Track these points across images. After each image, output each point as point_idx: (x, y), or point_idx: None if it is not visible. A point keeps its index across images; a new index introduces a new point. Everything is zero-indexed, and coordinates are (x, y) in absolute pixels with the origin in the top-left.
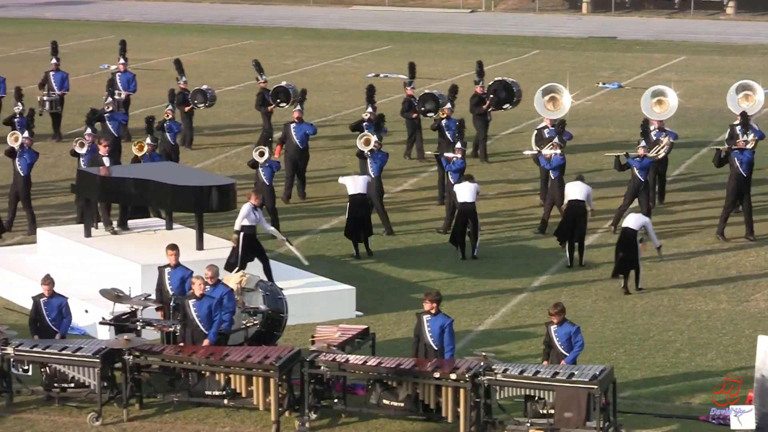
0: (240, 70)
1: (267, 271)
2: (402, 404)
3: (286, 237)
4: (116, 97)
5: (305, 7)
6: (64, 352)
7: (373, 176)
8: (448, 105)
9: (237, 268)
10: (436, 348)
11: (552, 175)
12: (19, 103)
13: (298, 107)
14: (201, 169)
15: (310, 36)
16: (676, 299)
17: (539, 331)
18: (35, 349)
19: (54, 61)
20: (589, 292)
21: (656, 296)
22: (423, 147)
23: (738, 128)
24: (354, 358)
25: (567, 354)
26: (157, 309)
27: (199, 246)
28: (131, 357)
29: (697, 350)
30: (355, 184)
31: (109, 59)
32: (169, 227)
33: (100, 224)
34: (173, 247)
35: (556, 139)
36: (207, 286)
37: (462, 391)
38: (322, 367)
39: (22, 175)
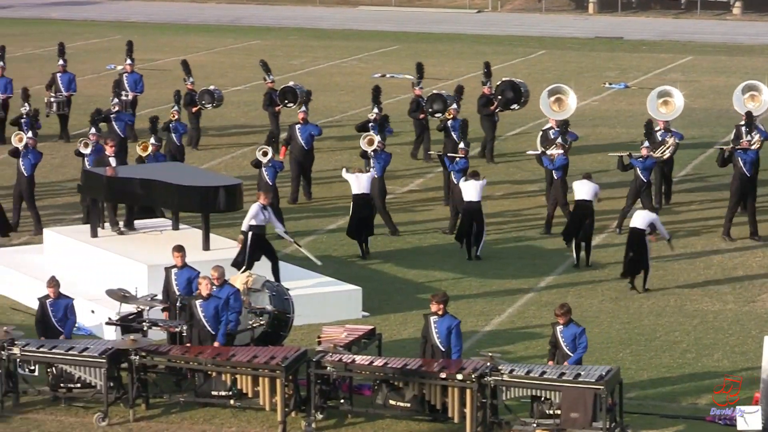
0: (246, 70)
1: (275, 271)
2: (408, 405)
3: (294, 239)
4: (123, 98)
5: (311, 7)
6: (70, 352)
7: (376, 176)
8: (454, 105)
9: (243, 268)
10: (443, 349)
11: (555, 175)
12: (26, 104)
13: (303, 108)
14: (207, 170)
15: (316, 36)
16: (682, 300)
17: (546, 331)
18: (41, 350)
19: (61, 62)
20: (596, 293)
21: (663, 297)
22: (430, 147)
23: (743, 128)
24: (360, 359)
25: (572, 355)
26: (163, 310)
27: (206, 246)
28: (137, 357)
29: (703, 351)
30: (359, 184)
31: (116, 59)
32: (176, 227)
33: (107, 224)
34: (179, 249)
35: (559, 140)
36: (213, 287)
37: (468, 391)
38: (328, 368)
39: (26, 175)
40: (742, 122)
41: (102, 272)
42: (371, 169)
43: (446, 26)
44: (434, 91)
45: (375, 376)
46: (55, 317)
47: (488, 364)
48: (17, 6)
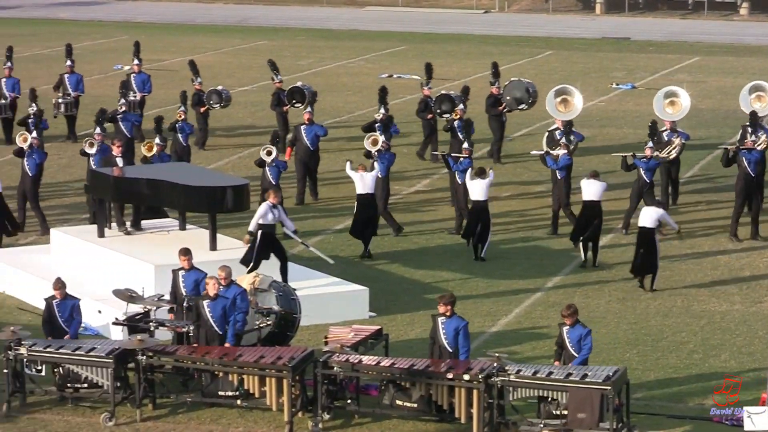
0: (253, 70)
1: (283, 270)
2: (415, 405)
3: (302, 239)
4: (130, 98)
5: (318, 7)
6: (77, 352)
7: (380, 176)
8: (461, 106)
9: (250, 267)
10: (450, 350)
11: (558, 175)
12: (34, 104)
13: (309, 109)
14: (214, 170)
15: (323, 37)
16: (689, 300)
17: (552, 332)
18: (48, 350)
19: (69, 63)
20: (603, 293)
21: (670, 297)
22: (437, 148)
23: (749, 129)
24: (367, 359)
25: (577, 356)
26: (170, 311)
27: (213, 246)
28: (144, 357)
29: (710, 351)
30: (363, 184)
31: (123, 60)
32: (183, 228)
33: (114, 224)
34: (186, 252)
35: (563, 140)
36: (220, 287)
37: (475, 391)
38: (335, 368)
39: (30, 175)
40: (748, 122)
41: (109, 272)
42: (375, 169)
43: (453, 27)
44: (443, 92)
45: (382, 376)
46: (61, 317)
47: (495, 364)
48: (25, 6)
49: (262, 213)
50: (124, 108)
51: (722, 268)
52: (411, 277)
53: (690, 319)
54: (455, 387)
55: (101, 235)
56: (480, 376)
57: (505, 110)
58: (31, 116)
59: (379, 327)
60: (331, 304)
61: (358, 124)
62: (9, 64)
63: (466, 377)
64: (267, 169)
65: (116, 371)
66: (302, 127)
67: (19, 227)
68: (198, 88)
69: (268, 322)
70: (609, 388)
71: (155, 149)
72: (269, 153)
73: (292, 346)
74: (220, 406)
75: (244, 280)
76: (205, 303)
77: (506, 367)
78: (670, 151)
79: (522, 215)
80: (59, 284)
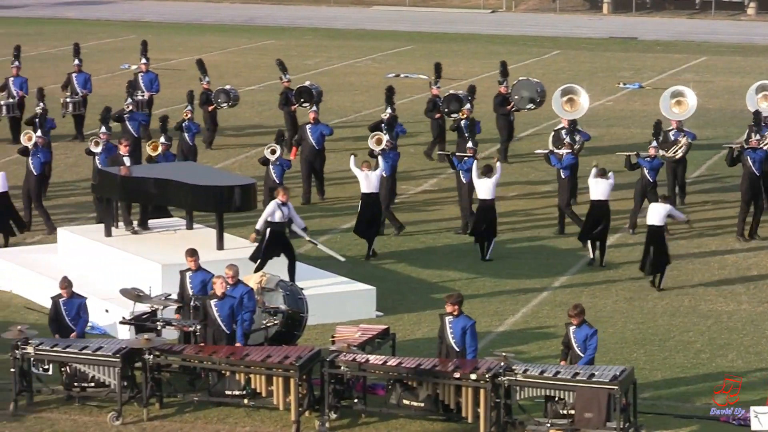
0: (260, 70)
1: (291, 269)
2: (422, 404)
3: (311, 236)
4: (137, 97)
5: (325, 7)
6: (84, 351)
7: (384, 175)
8: (467, 105)
9: (257, 265)
10: (458, 349)
11: (562, 174)
12: (41, 103)
13: (314, 108)
14: (221, 169)
15: (330, 36)
16: (696, 300)
17: (559, 331)
18: (55, 349)
19: (76, 62)
20: (610, 293)
21: (677, 297)
22: (445, 148)
23: (753, 128)
24: (374, 358)
25: (583, 356)
26: (176, 311)
27: (220, 246)
28: (151, 356)
29: (717, 351)
30: (368, 183)
31: (130, 59)
32: (190, 227)
33: (121, 224)
34: (192, 253)
35: (567, 139)
36: (228, 286)
37: (482, 391)
38: (342, 367)
39: (35, 173)
40: (752, 122)
41: (116, 271)
42: (379, 168)
43: (460, 26)
44: (451, 92)
45: (389, 375)
46: (68, 316)
47: (502, 364)
48: (32, 5)
49: (270, 211)
50: (131, 107)
51: (729, 268)
52: (418, 277)
53: (697, 318)
54: (462, 386)
55: (108, 234)
56: (487, 376)
57: (513, 109)
58: (38, 116)
59: (386, 326)
60: (338, 303)
61: (365, 123)
62: (17, 63)
63: (473, 377)
64: (271, 167)
65: (123, 370)
66: (308, 126)
67: (25, 227)
68: (206, 87)
69: (275, 322)
70: (616, 387)
71: (160, 148)
72: (273, 152)
73: (299, 346)
74: (227, 405)
75: (251, 279)
76: (213, 302)
77: (513, 367)
78: (677, 151)
79: (529, 215)
80: (66, 283)
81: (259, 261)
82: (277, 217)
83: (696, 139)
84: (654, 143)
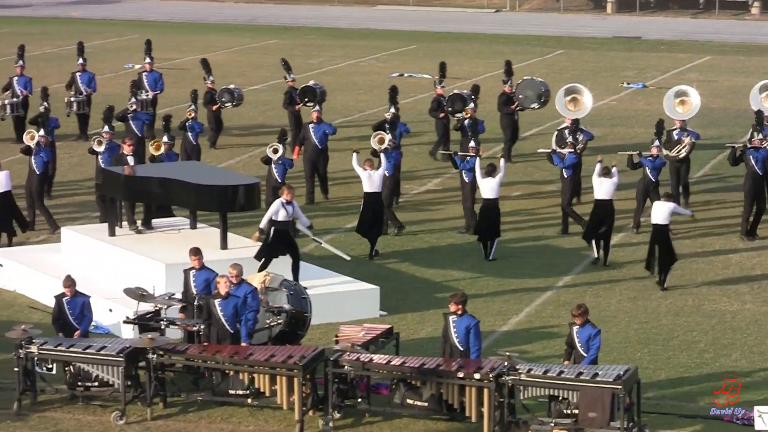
0: (264, 69)
1: (295, 268)
2: (426, 404)
3: (315, 235)
4: (140, 97)
5: (329, 6)
6: (88, 350)
7: (387, 174)
8: (471, 105)
9: (262, 264)
10: (461, 349)
11: (564, 174)
12: (45, 103)
13: (317, 107)
14: (225, 169)
15: (334, 35)
16: (700, 299)
17: (563, 331)
18: (59, 348)
19: (81, 61)
20: (614, 292)
21: (681, 296)
22: (449, 147)
23: (756, 128)
24: (378, 358)
25: (586, 356)
26: (180, 310)
27: (223, 245)
28: (155, 356)
29: (721, 351)
30: (371, 183)
31: (134, 58)
32: (193, 226)
33: (125, 223)
34: (196, 252)
35: (569, 138)
36: (232, 285)
37: (486, 390)
38: (345, 367)
39: (38, 173)
40: (755, 122)
41: (119, 271)
42: (382, 167)
43: (464, 26)
44: (455, 91)
45: (392, 375)
46: (72, 315)
47: (506, 363)
48: (36, 5)
49: (274, 210)
50: (134, 107)
51: (733, 268)
52: (422, 276)
53: (701, 318)
54: (466, 386)
55: (112, 233)
56: (491, 375)
57: (517, 109)
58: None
59: (389, 326)
60: (342, 302)
61: (369, 123)
62: (21, 62)
63: (477, 376)
64: (273, 166)
65: (127, 370)
66: (310, 125)
67: (28, 226)
68: (210, 86)
69: (279, 321)
70: (620, 387)
71: (163, 148)
72: (276, 151)
73: (302, 345)
74: (230, 404)
75: (255, 278)
76: (217, 302)
77: (517, 366)
78: (680, 150)
79: (533, 214)
80: (69, 282)
81: (263, 260)
82: (281, 215)
83: (699, 138)
84: (656, 142)
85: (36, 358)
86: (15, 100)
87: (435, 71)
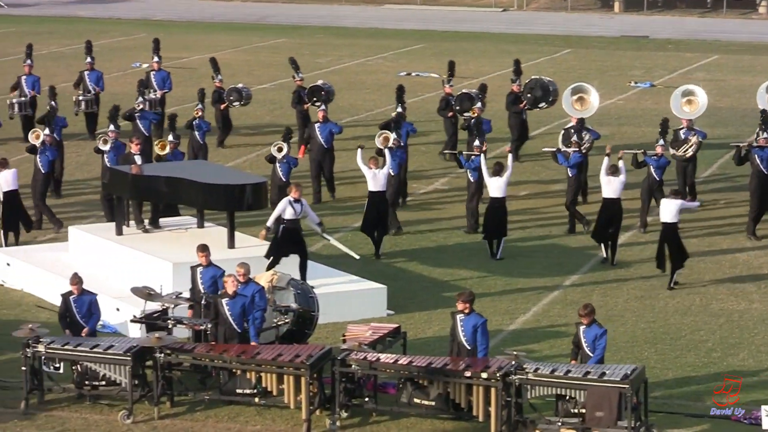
0: (272, 68)
1: (303, 267)
2: (433, 403)
3: (325, 231)
4: (147, 96)
5: (337, 5)
6: (95, 350)
7: (392, 173)
8: (478, 104)
9: (270, 262)
10: (469, 348)
11: (569, 173)
12: (52, 102)
13: (323, 107)
14: (233, 168)
15: (341, 34)
16: (708, 299)
17: (571, 330)
18: (66, 347)
19: (89, 60)
20: (621, 291)
21: (688, 295)
22: (457, 147)
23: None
24: (385, 357)
25: (592, 356)
26: (189, 308)
27: (231, 245)
28: (162, 355)
29: (728, 350)
30: (375, 182)
31: (141, 57)
32: (201, 225)
33: (132, 222)
34: (203, 248)
35: (574, 137)
36: (239, 284)
37: (493, 390)
38: (353, 366)
39: (43, 172)
40: (761, 120)
41: (127, 270)
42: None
43: (471, 25)
44: (463, 91)
45: (400, 374)
46: (79, 313)
47: (513, 362)
48: (43, 4)
49: (281, 208)
50: (141, 106)
51: (741, 267)
52: (429, 275)
53: (708, 317)
54: (473, 385)
55: (119, 232)
56: (498, 375)
57: (525, 108)
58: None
59: (397, 325)
60: (349, 301)
61: (376, 122)
62: (29, 61)
63: (484, 375)
64: (277, 165)
65: (134, 369)
66: (316, 125)
67: (33, 225)
68: (218, 85)
69: (286, 320)
70: (627, 386)
71: (168, 147)
72: (280, 149)
73: (310, 344)
74: (237, 403)
75: (263, 277)
76: (224, 301)
77: (524, 366)
78: (687, 150)
79: (540, 213)
80: (76, 279)
81: (271, 259)
82: (289, 213)
83: (706, 137)
84: (661, 141)
85: (43, 357)
86: (23, 99)
87: (442, 70)
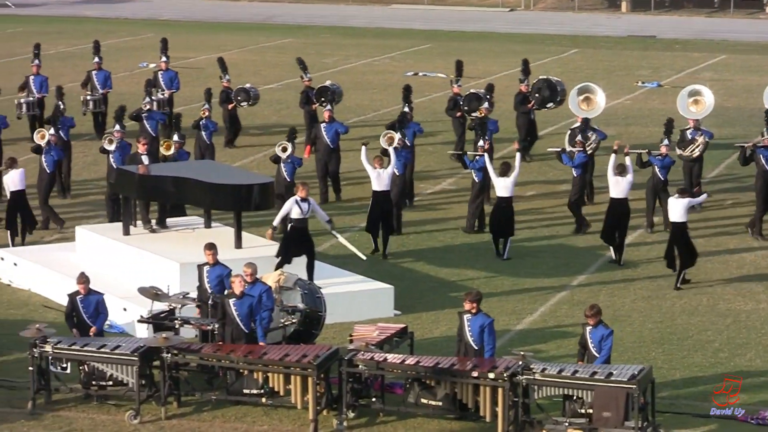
0: (279, 68)
1: (310, 267)
2: (440, 403)
3: (334, 228)
4: (155, 96)
5: (344, 5)
6: (102, 350)
7: (397, 173)
8: (486, 104)
9: (279, 261)
10: (476, 347)
11: (574, 173)
12: (59, 102)
13: (329, 107)
14: (239, 168)
15: (348, 34)
16: (715, 299)
17: (578, 330)
18: (73, 347)
19: (96, 60)
20: (628, 292)
21: (695, 296)
22: (464, 147)
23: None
24: (392, 357)
25: (598, 356)
26: (197, 307)
27: (238, 245)
28: (169, 355)
29: (736, 350)
30: (379, 181)
31: (148, 57)
32: (208, 226)
33: (139, 222)
34: (210, 247)
35: (579, 137)
36: (246, 284)
37: (500, 390)
38: (360, 366)
39: (48, 171)
40: (765, 120)
41: (134, 270)
42: (391, 165)
43: (478, 25)
44: (471, 91)
45: (407, 374)
46: (86, 313)
47: (520, 362)
48: (51, 4)
49: (287, 208)
50: (148, 106)
51: (748, 267)
52: (436, 275)
53: (715, 317)
54: (480, 385)
55: (126, 232)
56: (505, 375)
57: (533, 108)
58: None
59: (404, 325)
60: (356, 302)
61: (383, 122)
62: (36, 61)
63: (492, 375)
64: (282, 165)
65: (141, 369)
66: (322, 125)
67: (35, 226)
68: (226, 85)
69: (293, 320)
70: (634, 386)
71: (173, 147)
72: (284, 149)
73: (317, 344)
74: (245, 404)
75: (270, 277)
76: (231, 301)
77: (531, 366)
78: (693, 150)
79: (547, 213)
80: (83, 279)
81: (279, 258)
82: (296, 213)
83: (713, 137)
84: (665, 141)
85: (50, 358)
86: (31, 99)
87: (449, 70)
